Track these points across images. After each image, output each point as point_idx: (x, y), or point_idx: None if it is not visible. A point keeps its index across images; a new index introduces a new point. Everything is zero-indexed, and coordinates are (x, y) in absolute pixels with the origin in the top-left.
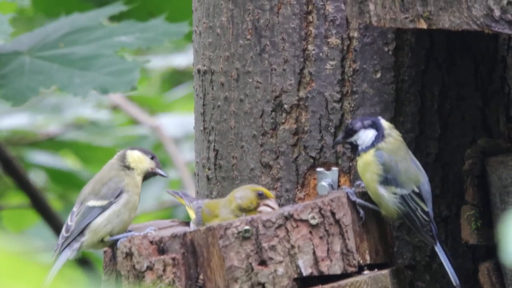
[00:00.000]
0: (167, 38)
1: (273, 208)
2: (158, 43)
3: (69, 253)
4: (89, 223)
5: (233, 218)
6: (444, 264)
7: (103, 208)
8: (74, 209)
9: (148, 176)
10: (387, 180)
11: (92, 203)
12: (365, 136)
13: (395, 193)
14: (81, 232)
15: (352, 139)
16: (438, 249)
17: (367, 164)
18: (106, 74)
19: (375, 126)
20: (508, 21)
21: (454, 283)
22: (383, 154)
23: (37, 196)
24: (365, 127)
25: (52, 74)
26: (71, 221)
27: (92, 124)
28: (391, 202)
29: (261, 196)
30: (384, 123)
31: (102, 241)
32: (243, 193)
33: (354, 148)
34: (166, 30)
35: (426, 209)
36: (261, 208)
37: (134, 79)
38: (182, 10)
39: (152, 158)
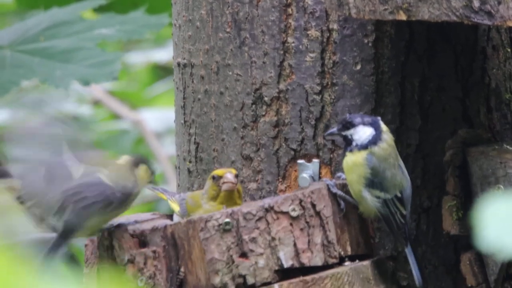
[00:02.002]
0: (147, 30)
1: (231, 182)
2: (138, 35)
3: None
4: None
5: (214, 209)
6: (412, 266)
7: None
8: None
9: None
10: (373, 183)
11: None
12: (363, 132)
13: (378, 197)
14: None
15: (348, 132)
16: (408, 251)
17: (356, 165)
18: (87, 66)
19: (375, 125)
20: (487, 12)
21: (417, 285)
22: (373, 159)
23: None
24: (364, 124)
25: (33, 67)
26: None
27: (74, 119)
28: (372, 204)
29: (214, 179)
30: (383, 125)
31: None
32: (205, 187)
33: (348, 142)
34: (146, 22)
35: (404, 212)
36: (224, 188)
37: (115, 70)
38: (163, 2)
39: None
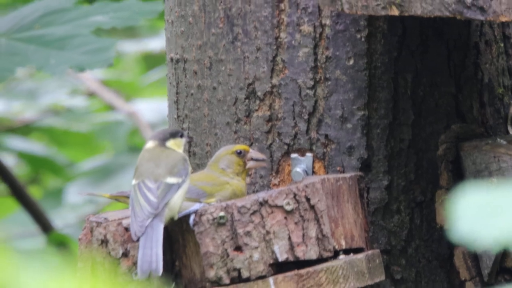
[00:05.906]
0: (141, 17)
1: (259, 159)
2: (133, 22)
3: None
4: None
5: (242, 184)
6: None
7: (179, 186)
8: (151, 185)
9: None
10: None
11: (170, 180)
12: None
13: None
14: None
15: None
16: None
17: None
18: (82, 53)
19: None
20: (479, 7)
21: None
22: None
23: (16, 184)
24: None
25: (29, 55)
26: (154, 198)
27: (68, 110)
28: None
29: (240, 154)
30: None
31: (171, 218)
32: (226, 161)
33: None
34: (140, 9)
35: None
36: (249, 165)
37: (110, 56)
38: None
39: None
